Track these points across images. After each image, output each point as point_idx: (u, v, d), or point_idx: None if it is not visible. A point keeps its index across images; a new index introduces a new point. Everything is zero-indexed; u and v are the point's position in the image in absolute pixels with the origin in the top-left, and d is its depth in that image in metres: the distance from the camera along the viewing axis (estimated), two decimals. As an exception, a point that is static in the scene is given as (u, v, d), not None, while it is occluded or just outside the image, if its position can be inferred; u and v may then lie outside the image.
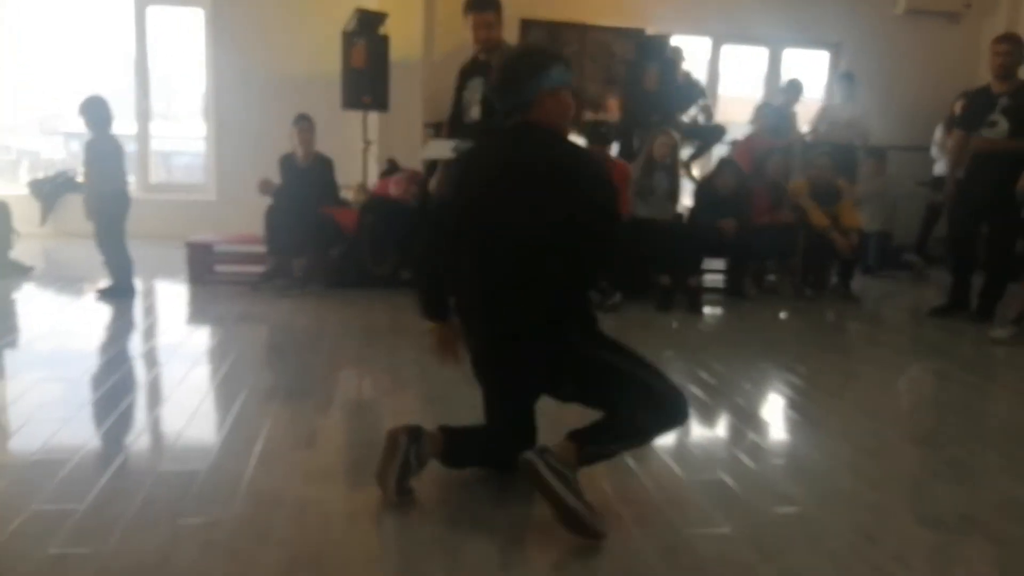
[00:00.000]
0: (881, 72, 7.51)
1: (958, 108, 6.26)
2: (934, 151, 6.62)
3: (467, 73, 4.04)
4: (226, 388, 3.09)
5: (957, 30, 7.66)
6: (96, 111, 4.52)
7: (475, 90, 3.92)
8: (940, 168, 6.54)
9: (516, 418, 2.27)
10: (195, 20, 7.16)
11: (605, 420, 2.12)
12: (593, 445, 2.08)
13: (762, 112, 6.49)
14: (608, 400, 2.13)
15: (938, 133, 6.59)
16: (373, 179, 5.97)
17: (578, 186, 2.05)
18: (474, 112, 3.95)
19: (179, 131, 7.72)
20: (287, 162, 5.13)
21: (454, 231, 2.17)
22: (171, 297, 4.90)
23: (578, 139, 5.21)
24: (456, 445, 2.24)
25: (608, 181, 2.19)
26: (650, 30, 7.28)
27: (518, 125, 2.13)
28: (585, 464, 2.08)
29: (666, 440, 2.67)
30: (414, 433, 2.14)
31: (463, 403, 2.94)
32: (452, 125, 4.18)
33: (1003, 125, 4.50)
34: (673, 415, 2.15)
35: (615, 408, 2.12)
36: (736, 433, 2.87)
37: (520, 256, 2.06)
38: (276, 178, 5.09)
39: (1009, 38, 4.65)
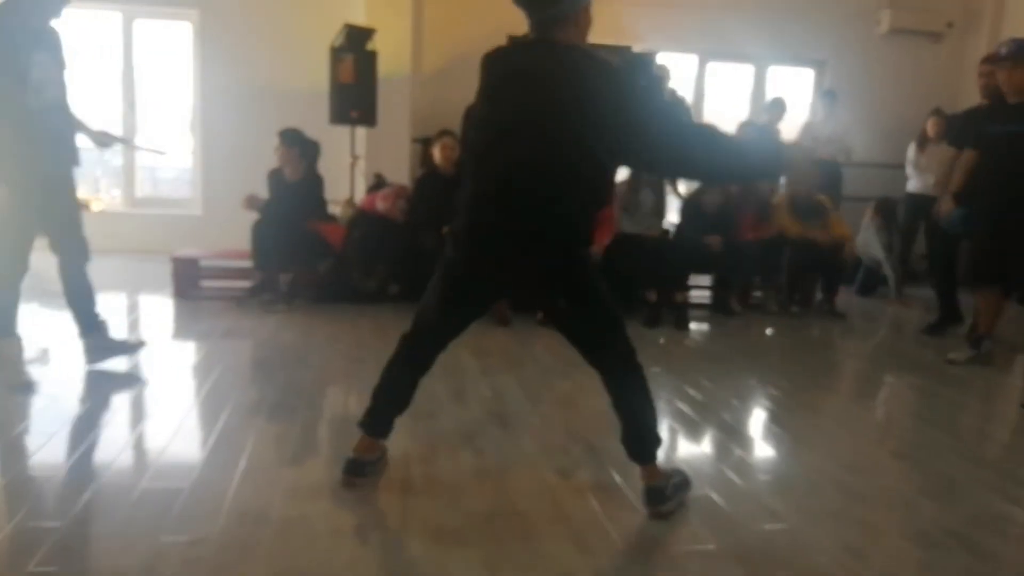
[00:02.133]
0: (865, 90, 7.62)
1: (930, 126, 6.38)
2: (908, 169, 6.72)
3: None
4: (210, 404, 3.06)
5: (939, 49, 7.79)
6: None
7: None
8: (914, 185, 6.64)
9: (460, 328, 2.33)
10: (183, 34, 7.16)
11: (626, 425, 2.23)
12: (644, 444, 2.22)
13: (745, 130, 6.56)
14: (589, 327, 2.20)
15: (911, 151, 6.69)
16: (361, 194, 5.97)
17: (618, 92, 2.02)
18: None
19: (166, 144, 7.67)
20: (275, 177, 5.11)
21: (484, 138, 2.19)
22: (156, 312, 4.86)
23: None
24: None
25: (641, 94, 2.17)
26: (637, 48, 7.36)
27: (552, 41, 2.09)
28: (657, 448, 2.24)
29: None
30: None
31: (450, 420, 2.95)
32: None
33: None
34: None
35: (590, 338, 2.21)
36: (723, 449, 2.88)
37: (555, 160, 2.04)
38: (264, 193, 5.08)
39: (994, 58, 4.75)
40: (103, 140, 3.59)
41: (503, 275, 2.20)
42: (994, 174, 4.12)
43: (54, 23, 3.23)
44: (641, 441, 2.23)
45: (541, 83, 2.06)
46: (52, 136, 3.17)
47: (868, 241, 6.40)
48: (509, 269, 2.16)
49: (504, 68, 2.20)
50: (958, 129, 4.92)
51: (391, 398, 2.36)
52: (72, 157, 3.32)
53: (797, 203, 5.61)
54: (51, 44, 3.19)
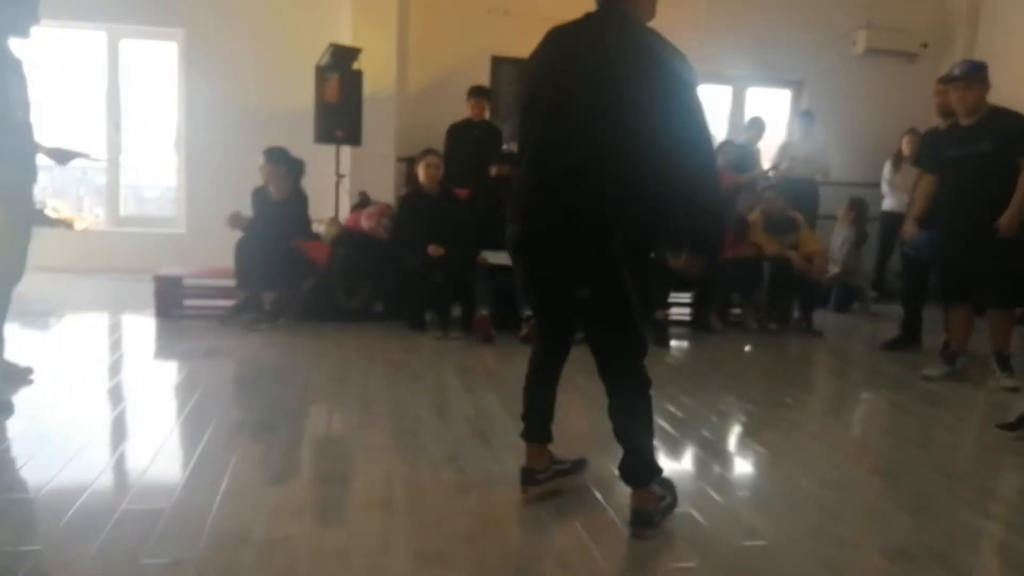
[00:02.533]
0: (841, 109, 7.78)
1: (905, 145, 6.52)
2: (884, 187, 6.84)
3: None
4: (192, 424, 3.05)
5: (914, 70, 7.96)
6: None
7: None
8: (889, 203, 6.77)
9: (559, 324, 2.39)
10: (168, 53, 7.18)
11: (623, 449, 2.25)
12: (636, 472, 2.23)
13: (724, 149, 6.67)
14: (604, 334, 2.20)
15: (886, 170, 6.82)
16: (345, 212, 5.98)
17: (669, 75, 2.01)
18: None
19: (150, 164, 7.67)
20: (260, 195, 5.12)
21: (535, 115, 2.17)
22: (138, 331, 4.84)
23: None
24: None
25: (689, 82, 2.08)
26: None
27: (613, 12, 2.13)
28: (654, 475, 2.26)
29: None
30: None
31: (432, 439, 2.96)
32: None
33: None
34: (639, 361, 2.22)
35: (603, 348, 2.21)
36: (703, 466, 2.90)
37: (591, 139, 2.04)
38: (248, 211, 5.08)
39: (944, 79, 4.87)
40: (61, 156, 3.63)
41: (543, 254, 2.19)
42: (955, 196, 4.22)
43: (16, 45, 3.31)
44: (632, 467, 2.24)
45: (588, 60, 2.08)
46: (19, 154, 3.25)
47: (840, 236, 6.60)
48: (547, 248, 2.16)
49: (555, 44, 2.21)
50: (919, 151, 5.06)
51: (534, 407, 2.46)
52: (34, 175, 3.39)
53: (771, 220, 5.73)
54: (18, 64, 3.27)
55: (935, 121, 4.83)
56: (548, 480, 2.43)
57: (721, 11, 7.77)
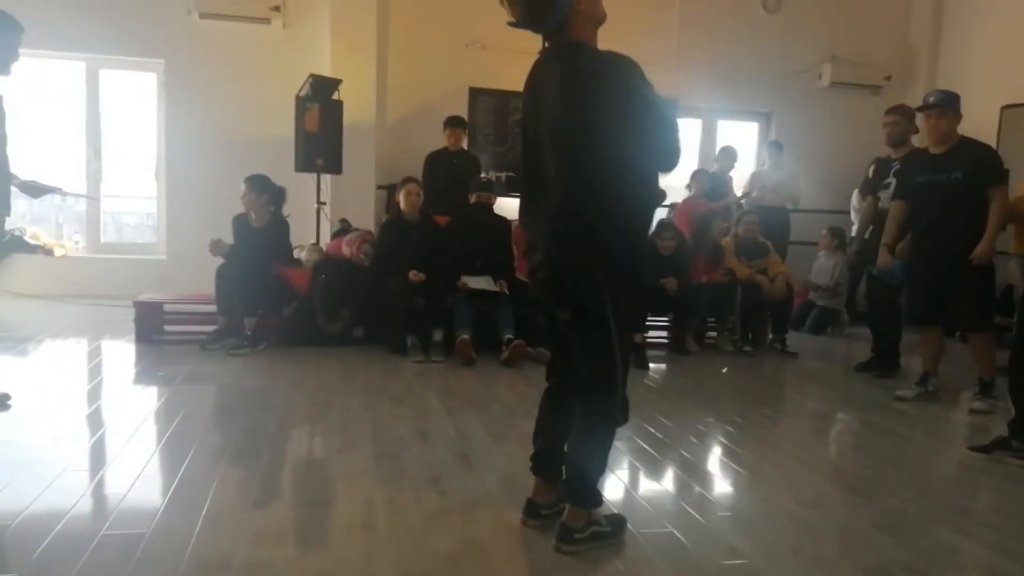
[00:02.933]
0: (808, 140, 8.01)
1: (872, 173, 6.70)
2: (853, 214, 7.02)
3: None
4: (172, 448, 3.04)
5: (878, 101, 8.19)
6: None
7: None
8: (857, 230, 6.94)
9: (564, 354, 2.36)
10: (148, 83, 7.20)
11: (570, 469, 2.29)
12: (575, 490, 2.26)
13: (698, 177, 6.82)
14: (578, 357, 2.24)
15: (855, 198, 7.00)
16: (326, 239, 6.01)
17: (627, 88, 2.08)
18: None
19: (130, 191, 7.65)
20: (240, 222, 5.14)
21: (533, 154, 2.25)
22: (118, 357, 4.80)
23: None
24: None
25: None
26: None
27: (559, 43, 2.18)
28: (591, 502, 2.28)
29: (615, 495, 2.73)
30: None
31: (414, 461, 2.97)
32: None
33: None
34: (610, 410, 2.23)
35: (576, 367, 2.25)
36: (683, 486, 2.94)
37: (565, 164, 2.12)
38: (229, 238, 5.09)
39: (895, 109, 5.05)
40: (34, 190, 3.65)
41: (535, 277, 2.26)
42: (926, 223, 4.32)
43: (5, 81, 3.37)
44: (575, 487, 2.28)
45: (546, 91, 2.18)
46: None
47: (822, 265, 6.76)
48: (537, 270, 2.23)
49: (528, 81, 2.31)
50: (871, 180, 5.21)
51: (539, 431, 2.44)
52: (6, 207, 3.41)
53: (743, 246, 5.90)
54: None
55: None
56: (585, 542, 2.25)
57: (690, 46, 8.01)
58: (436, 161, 6.38)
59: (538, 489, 2.42)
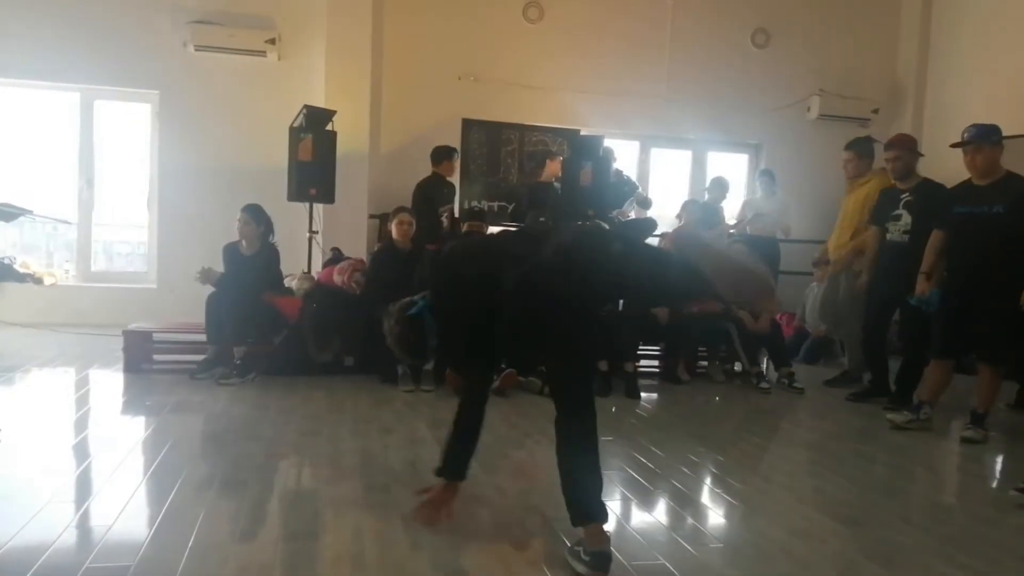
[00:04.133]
0: (797, 172, 8.12)
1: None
2: None
3: None
4: (159, 479, 3.00)
5: (866, 133, 8.34)
6: None
7: None
8: None
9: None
10: (142, 114, 7.25)
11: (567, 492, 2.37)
12: (577, 505, 2.34)
13: (688, 207, 6.88)
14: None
15: None
16: (318, 268, 6.02)
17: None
18: None
19: (122, 220, 7.66)
20: (230, 251, 5.14)
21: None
22: (106, 386, 4.76)
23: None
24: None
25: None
26: (585, 131, 7.72)
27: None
28: (586, 519, 2.34)
29: (607, 525, 2.70)
30: None
31: (404, 492, 2.94)
32: None
33: (905, 218, 4.90)
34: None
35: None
36: (675, 516, 2.92)
37: None
38: (219, 267, 5.09)
39: (893, 144, 5.10)
40: (5, 215, 3.65)
41: None
42: (962, 254, 4.27)
43: None
44: (569, 503, 2.36)
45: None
46: None
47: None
48: None
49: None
50: (874, 210, 5.24)
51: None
52: None
53: None
54: None
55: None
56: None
57: (681, 78, 8.15)
58: (428, 190, 6.43)
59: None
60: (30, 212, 3.88)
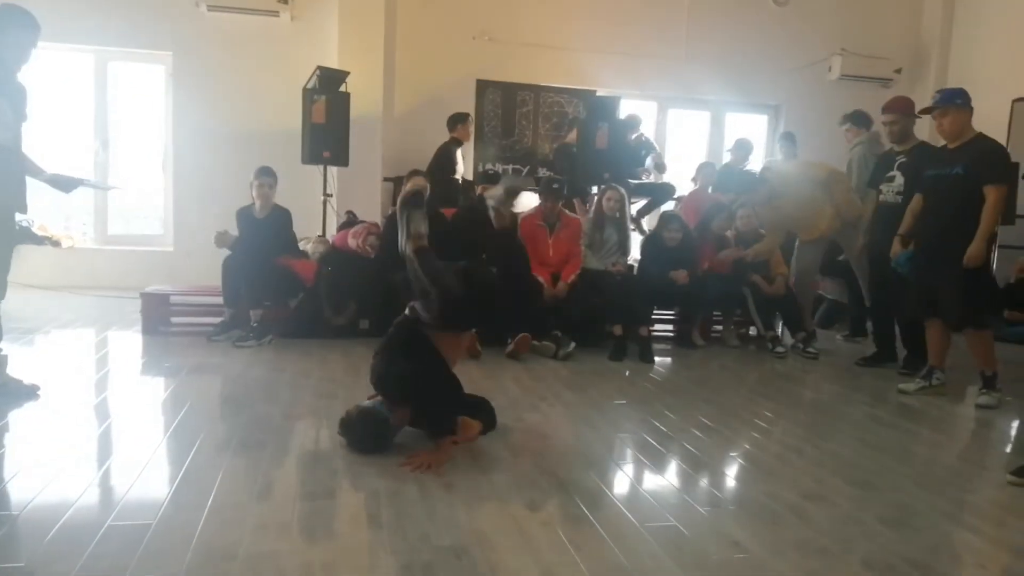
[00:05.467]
0: (817, 134, 7.93)
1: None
2: None
3: None
4: (178, 440, 3.05)
5: (888, 94, 8.05)
6: None
7: None
8: None
9: None
10: (156, 75, 7.22)
11: None
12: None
13: (703, 170, 6.78)
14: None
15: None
16: (332, 231, 6.02)
17: None
18: None
19: (138, 182, 7.67)
20: (244, 214, 5.15)
21: None
22: (124, 348, 4.83)
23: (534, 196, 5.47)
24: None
25: None
26: (600, 92, 7.59)
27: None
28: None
29: (620, 487, 2.73)
30: None
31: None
32: None
33: (899, 179, 4.84)
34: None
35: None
36: (687, 479, 2.94)
37: None
38: (234, 231, 5.10)
39: (889, 107, 5.01)
40: (64, 184, 3.66)
41: None
42: (928, 215, 4.31)
43: (21, 77, 3.39)
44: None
45: None
46: (3, 178, 3.28)
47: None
48: None
49: None
50: (871, 173, 5.18)
51: None
52: (16, 202, 3.40)
53: (743, 239, 5.78)
54: (12, 92, 3.32)
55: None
56: None
57: (700, 38, 7.97)
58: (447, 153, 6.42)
59: None
60: (86, 181, 3.89)
